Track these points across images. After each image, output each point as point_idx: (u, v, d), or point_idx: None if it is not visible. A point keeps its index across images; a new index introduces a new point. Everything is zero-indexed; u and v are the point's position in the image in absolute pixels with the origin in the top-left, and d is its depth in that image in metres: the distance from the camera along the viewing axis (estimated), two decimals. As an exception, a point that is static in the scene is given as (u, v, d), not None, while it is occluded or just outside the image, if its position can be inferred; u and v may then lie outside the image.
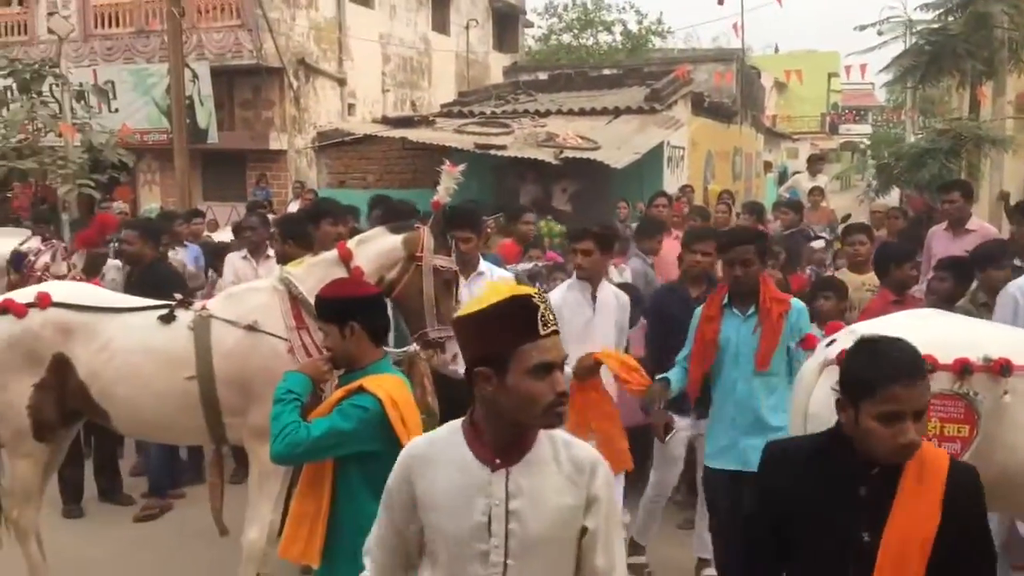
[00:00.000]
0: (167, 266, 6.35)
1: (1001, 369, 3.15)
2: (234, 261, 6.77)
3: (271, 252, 6.64)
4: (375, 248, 4.40)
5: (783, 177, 22.43)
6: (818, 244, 8.13)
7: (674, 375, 4.45)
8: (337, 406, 3.03)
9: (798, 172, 15.43)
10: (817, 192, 11.87)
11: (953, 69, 9.40)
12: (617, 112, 13.63)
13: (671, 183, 13.21)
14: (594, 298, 4.70)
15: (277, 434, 3.00)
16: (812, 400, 3.44)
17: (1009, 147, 9.41)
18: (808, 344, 4.09)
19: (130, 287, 5.66)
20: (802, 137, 35.73)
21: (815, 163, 13.66)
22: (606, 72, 17.76)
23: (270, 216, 8.50)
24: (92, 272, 6.29)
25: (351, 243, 4.49)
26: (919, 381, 2.10)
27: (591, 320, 4.66)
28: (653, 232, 7.13)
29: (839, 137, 44.83)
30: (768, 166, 24.12)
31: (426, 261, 4.31)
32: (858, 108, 46.62)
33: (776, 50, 47.08)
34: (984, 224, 7.13)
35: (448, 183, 4.68)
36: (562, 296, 4.72)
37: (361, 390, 3.01)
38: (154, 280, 5.60)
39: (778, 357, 4.25)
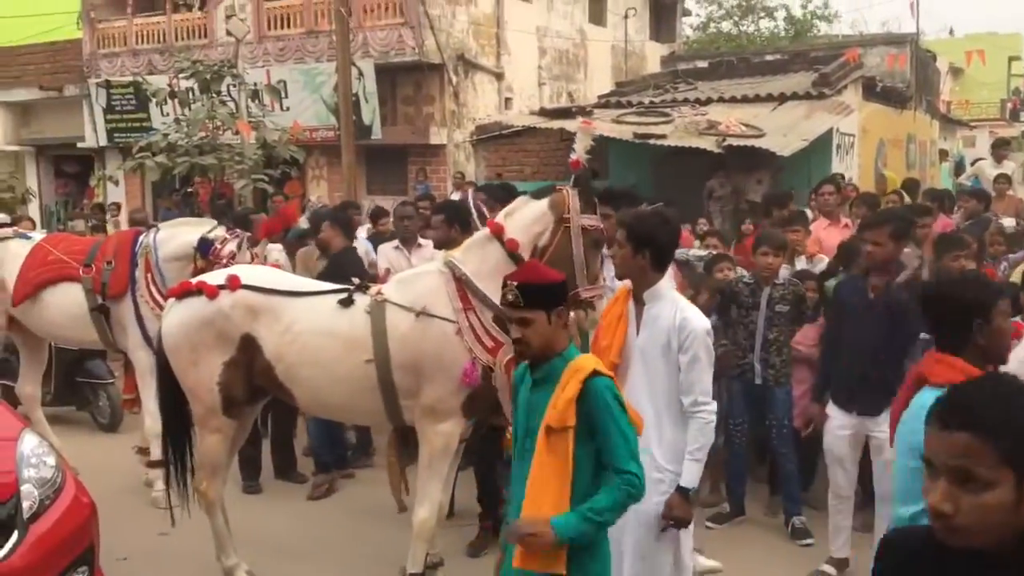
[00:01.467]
0: (355, 254, 6.55)
1: None
2: (387, 251, 6.95)
3: (423, 242, 6.78)
4: (524, 217, 4.41)
5: (959, 167, 21.10)
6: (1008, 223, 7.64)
7: None
8: (601, 405, 2.91)
9: (981, 159, 14.46)
10: (1003, 180, 11.09)
11: None
12: (783, 98, 13.12)
13: (841, 171, 12.63)
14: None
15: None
16: None
17: None
18: (1017, 334, 3.80)
19: (322, 274, 5.89)
20: (980, 125, 33.52)
21: (1001, 148, 12.77)
22: (769, 58, 17.15)
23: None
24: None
25: (499, 217, 4.52)
26: (955, 432, 1.57)
27: None
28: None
29: (1021, 124, 41.80)
30: (943, 155, 22.74)
31: (574, 222, 4.29)
32: (1044, 93, 43.29)
33: (951, 33, 44.37)
34: None
35: (585, 141, 4.67)
36: None
37: (596, 375, 2.96)
38: (343, 267, 5.81)
39: None
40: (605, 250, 4.50)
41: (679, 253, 6.88)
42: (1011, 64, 39.89)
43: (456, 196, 12.15)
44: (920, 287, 5.21)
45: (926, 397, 2.65)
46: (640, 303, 3.62)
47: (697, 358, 3.48)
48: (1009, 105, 41.41)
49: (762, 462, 6.40)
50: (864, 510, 5.20)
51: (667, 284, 3.65)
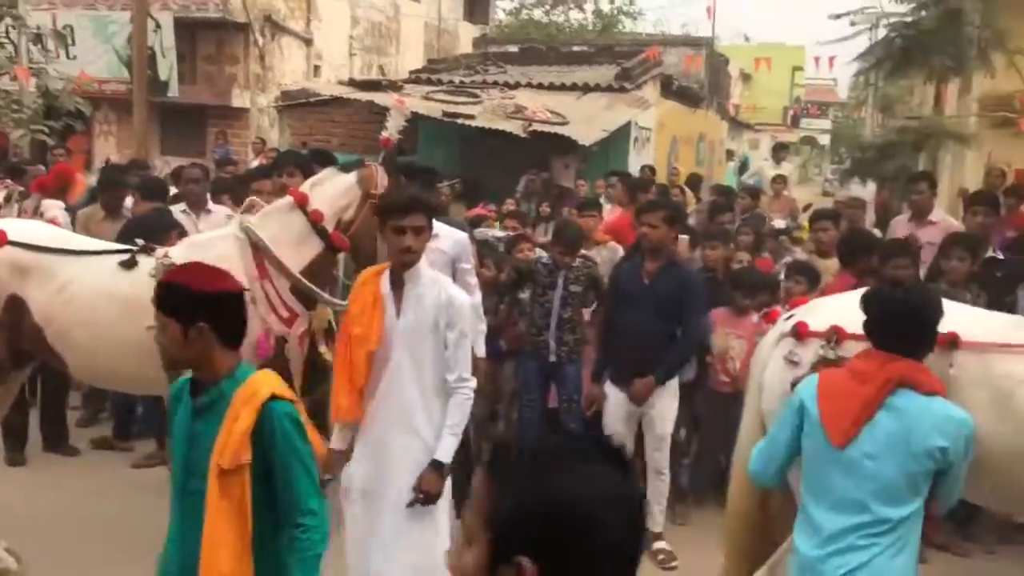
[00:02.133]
0: (165, 216, 6.11)
1: (948, 343, 3.25)
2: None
3: (212, 207, 6.52)
4: (331, 189, 4.37)
5: (743, 166, 22.59)
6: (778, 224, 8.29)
7: None
8: (280, 436, 2.52)
9: (764, 160, 15.55)
10: (780, 180, 11.98)
11: (923, 64, 9.55)
12: (587, 88, 13.56)
13: (637, 164, 13.21)
14: None
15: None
16: (766, 373, 3.53)
17: (972, 144, 9.60)
18: (770, 318, 4.14)
19: (121, 236, 5.47)
20: (764, 128, 36.00)
21: (779, 151, 13.80)
22: (576, 49, 17.66)
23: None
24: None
25: (304, 187, 4.46)
26: None
27: None
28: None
29: (800, 131, 45.26)
30: (730, 154, 24.27)
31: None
32: (820, 103, 47.07)
33: (746, 40, 47.31)
34: (946, 216, 7.25)
35: (398, 120, 4.69)
36: None
37: (275, 399, 2.55)
38: (145, 228, 5.44)
39: None
40: None
41: (479, 233, 7.00)
42: (794, 74, 43.06)
43: (256, 163, 11.75)
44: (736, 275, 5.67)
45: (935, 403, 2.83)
46: (399, 285, 3.55)
47: (464, 334, 3.56)
48: (791, 112, 44.76)
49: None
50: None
51: (424, 263, 3.62)
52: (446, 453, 3.52)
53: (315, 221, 4.32)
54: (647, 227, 5.05)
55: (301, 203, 4.34)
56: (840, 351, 3.33)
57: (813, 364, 3.37)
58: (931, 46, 9.22)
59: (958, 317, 3.36)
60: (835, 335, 3.39)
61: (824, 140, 45.22)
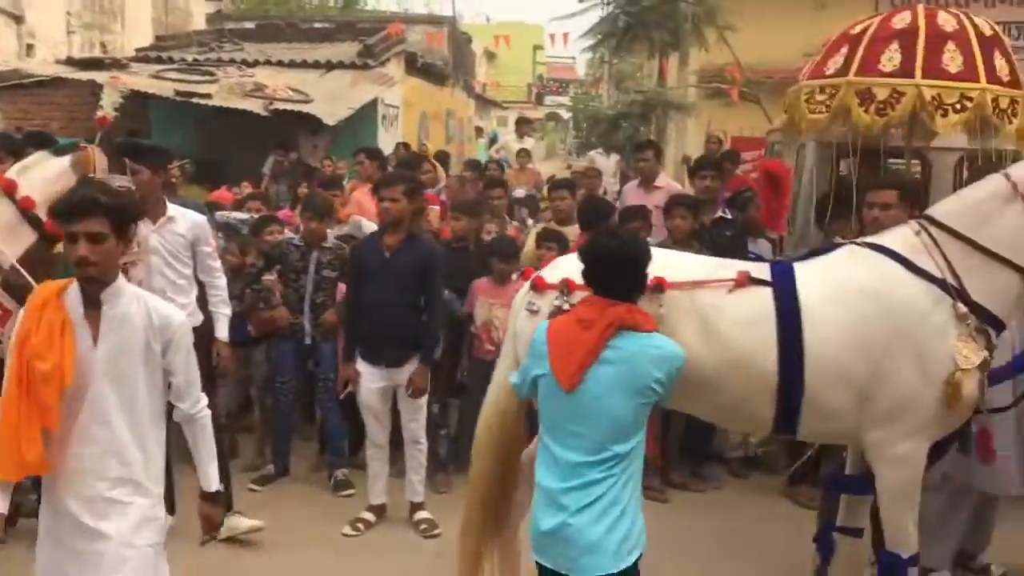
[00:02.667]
0: None
1: (656, 286, 3.58)
2: None
3: None
4: (42, 174, 4.12)
5: (494, 142, 23.15)
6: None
7: None
8: None
9: (510, 136, 16.01)
10: (524, 154, 12.39)
11: (644, 39, 10.23)
12: (329, 66, 13.32)
13: (386, 142, 13.17)
14: None
15: None
16: (517, 322, 3.79)
17: (692, 113, 10.39)
18: (526, 276, 4.30)
19: None
20: (511, 106, 37.02)
21: (523, 126, 14.23)
22: (318, 25, 17.28)
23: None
24: None
25: (11, 172, 4.17)
26: None
27: None
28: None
29: (544, 107, 46.97)
30: (480, 131, 24.78)
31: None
32: (561, 80, 49.03)
33: (488, 20, 48.33)
34: (671, 181, 7.83)
35: (112, 97, 4.45)
36: None
37: None
38: None
39: None
40: None
41: (219, 216, 6.71)
42: (536, 52, 44.55)
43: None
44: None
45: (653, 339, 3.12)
46: (93, 305, 2.91)
47: (191, 353, 3.05)
48: (535, 89, 46.31)
49: (312, 420, 6.53)
50: (398, 459, 5.50)
51: (122, 278, 3.01)
52: (214, 480, 3.13)
53: (25, 209, 4.03)
54: (388, 201, 5.07)
55: (8, 190, 4.04)
56: (571, 300, 3.57)
57: (550, 313, 3.60)
58: (651, 22, 9.85)
59: (669, 263, 3.71)
60: (566, 286, 3.62)
61: (567, 116, 47.23)
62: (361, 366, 5.20)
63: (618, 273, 3.18)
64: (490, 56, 36.68)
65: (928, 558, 4.58)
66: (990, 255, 3.58)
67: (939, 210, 3.79)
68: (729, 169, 7.96)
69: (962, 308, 3.54)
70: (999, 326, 3.66)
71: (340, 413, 5.85)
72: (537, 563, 3.18)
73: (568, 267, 3.69)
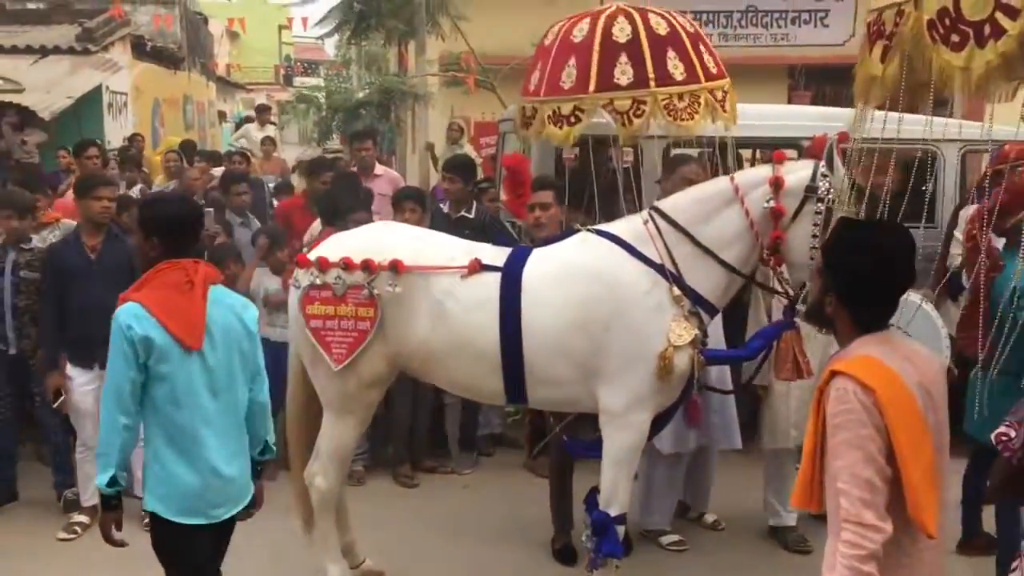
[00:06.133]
0: None
1: (392, 267, 4.01)
2: None
3: None
4: None
5: (240, 126, 22.32)
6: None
7: None
8: None
9: (250, 123, 15.50)
10: (268, 142, 12.08)
11: (379, 27, 10.24)
12: (44, 51, 12.28)
13: (114, 132, 12.37)
14: None
15: None
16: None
17: (431, 101, 10.53)
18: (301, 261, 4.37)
19: None
20: (258, 88, 35.76)
21: (263, 113, 13.83)
22: (31, 5, 15.83)
23: None
24: None
25: None
26: None
27: None
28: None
29: (294, 89, 45.73)
30: (223, 116, 23.77)
31: None
32: (310, 62, 47.91)
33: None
34: (388, 170, 8.15)
35: None
36: None
37: None
38: None
39: None
40: None
41: None
42: (282, 32, 43.14)
43: None
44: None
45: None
46: None
47: None
48: (283, 71, 44.92)
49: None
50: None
51: None
52: None
53: None
54: (108, 201, 5.15)
55: None
56: (326, 277, 4.07)
57: (306, 287, 4.11)
58: (386, 10, 9.87)
59: (418, 246, 4.14)
60: (319, 263, 4.08)
61: (322, 98, 46.24)
62: (72, 371, 5.08)
63: (187, 232, 3.25)
64: (233, 37, 35.17)
65: (651, 521, 5.04)
66: (703, 250, 3.95)
67: (668, 203, 4.16)
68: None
69: (677, 292, 3.93)
70: (712, 310, 4.07)
71: (64, 427, 5.48)
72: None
73: (324, 247, 4.17)
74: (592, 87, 4.87)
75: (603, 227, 4.21)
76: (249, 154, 10.61)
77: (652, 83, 4.86)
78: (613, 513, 4.02)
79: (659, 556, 4.92)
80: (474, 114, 11.83)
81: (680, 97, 4.88)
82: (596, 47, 4.86)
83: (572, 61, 4.92)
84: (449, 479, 6.08)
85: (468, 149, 10.33)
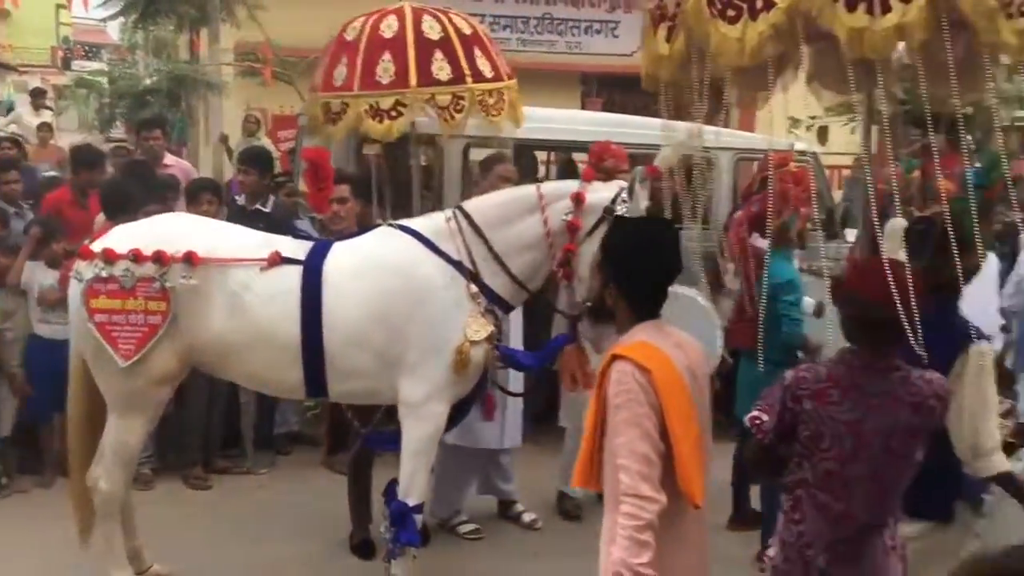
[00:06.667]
0: None
1: (186, 259, 3.93)
2: None
3: None
4: None
5: (11, 110, 20.63)
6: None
7: None
8: None
9: (22, 108, 14.37)
10: (45, 128, 11.28)
11: (170, 12, 9.78)
12: None
13: None
14: None
15: None
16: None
17: (225, 91, 10.17)
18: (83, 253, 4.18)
19: None
20: (31, 70, 33.11)
21: (37, 98, 12.89)
22: None
23: None
24: None
25: None
26: None
27: None
28: None
29: (73, 73, 42.66)
30: (-11, 100, 21.85)
31: None
32: (91, 44, 44.88)
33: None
34: (179, 160, 7.91)
35: None
36: None
37: None
38: None
39: None
40: None
41: None
42: (59, 12, 40.16)
43: None
44: None
45: None
46: None
47: None
48: (60, 53, 41.78)
49: None
50: None
51: None
52: None
53: None
54: None
55: None
56: (113, 270, 3.94)
57: (90, 280, 3.96)
58: (175, -5, 9.47)
59: (213, 239, 4.07)
60: (105, 255, 3.97)
61: (104, 84, 43.42)
62: None
63: None
64: (3, 14, 32.37)
65: (431, 508, 5.13)
66: (492, 255, 4.06)
67: (472, 203, 4.26)
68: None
69: (474, 289, 4.03)
70: (507, 308, 4.21)
71: None
72: None
73: (111, 238, 4.07)
74: (413, 82, 4.88)
75: (405, 222, 4.27)
76: (22, 140, 9.87)
77: (469, 79, 4.94)
78: (411, 503, 4.08)
79: (456, 544, 5.04)
80: (272, 107, 11.54)
81: (490, 94, 5.01)
82: (411, 43, 4.88)
83: (387, 56, 4.90)
84: (244, 479, 5.94)
85: (266, 142, 10.08)
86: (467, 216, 4.11)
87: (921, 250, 3.27)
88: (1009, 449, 3.30)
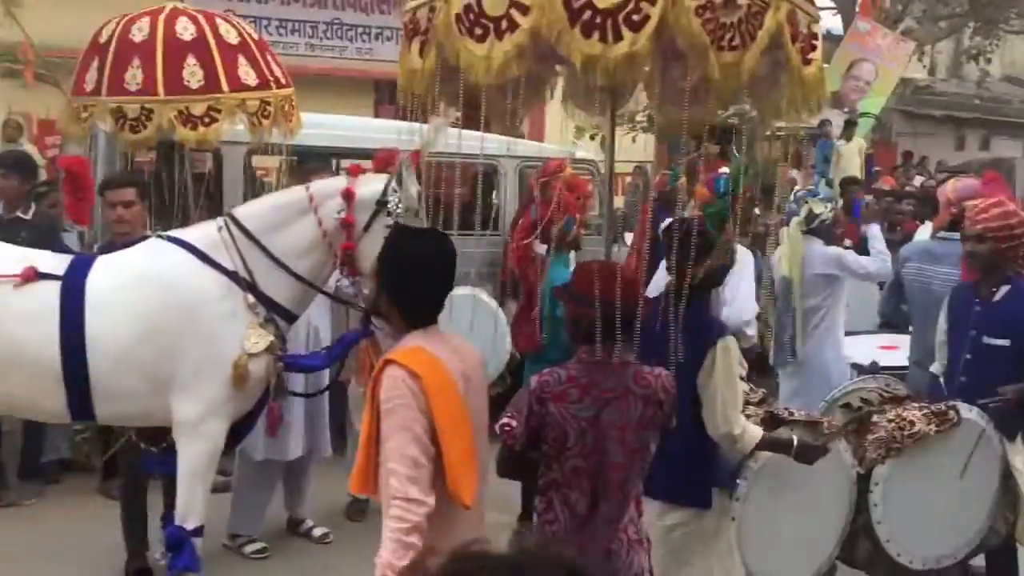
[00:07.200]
0: None
1: None
2: None
3: None
4: None
5: None
6: None
7: None
8: None
9: None
10: None
11: None
12: None
13: None
14: None
15: None
16: None
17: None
18: None
19: None
20: None
21: None
22: None
23: None
24: None
25: None
26: None
27: None
28: None
29: None
30: None
31: None
32: None
33: None
34: None
35: None
36: None
37: None
38: None
39: None
40: None
41: None
42: None
43: None
44: None
45: None
46: None
47: None
48: None
49: None
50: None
51: None
52: None
53: None
54: None
55: None
56: None
57: None
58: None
59: None
60: None
61: None
62: None
63: None
64: None
65: (239, 525, 4.99)
66: (273, 260, 3.95)
67: (242, 210, 4.12)
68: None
69: (251, 299, 3.90)
70: (290, 317, 4.10)
71: None
72: None
73: None
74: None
75: (175, 233, 4.09)
76: None
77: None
78: (189, 527, 3.92)
79: (241, 565, 4.88)
80: (37, 110, 10.74)
81: (266, 102, 4.83)
82: (159, 49, 4.63)
83: (136, 62, 4.61)
84: (9, 513, 5.50)
85: (30, 148, 9.36)
86: (239, 224, 3.98)
87: (678, 251, 3.48)
88: (759, 436, 3.58)
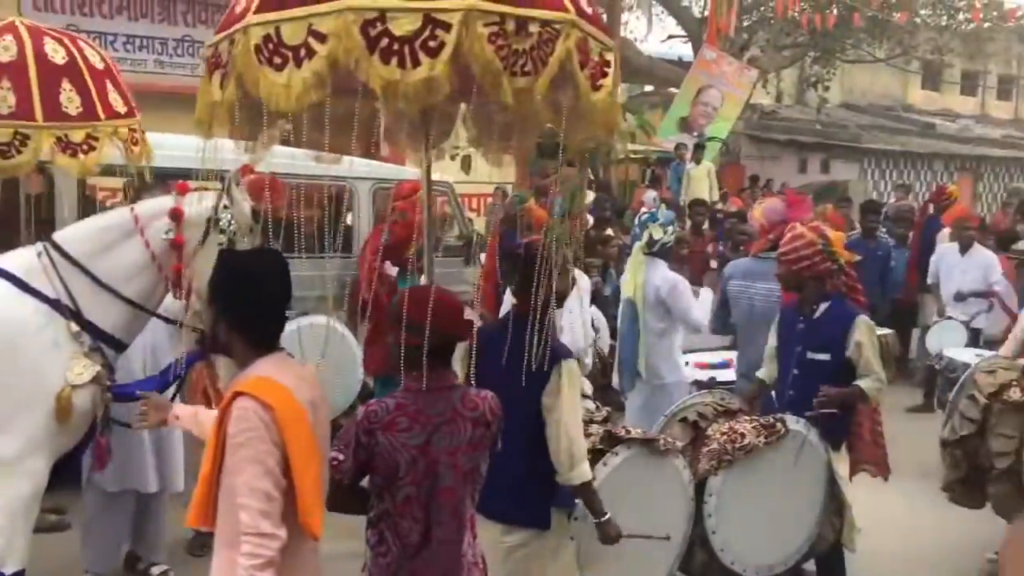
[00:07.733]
0: None
1: None
2: None
3: None
4: None
5: None
6: None
7: None
8: None
9: None
10: None
11: None
12: None
13: None
14: None
15: None
16: None
17: None
18: None
19: None
20: None
21: None
22: None
23: None
24: None
25: None
26: None
27: None
28: None
29: None
30: None
31: None
32: None
33: None
34: None
35: None
36: None
37: None
38: None
39: None
40: None
41: None
42: None
43: None
44: None
45: None
46: None
47: None
48: None
49: None
50: None
51: None
52: None
53: None
54: None
55: None
56: None
57: None
58: None
59: None
60: None
61: None
62: None
63: None
64: None
65: (93, 562, 4.68)
66: (100, 284, 3.76)
67: (63, 234, 3.89)
68: None
69: (75, 327, 3.69)
70: (118, 345, 3.89)
71: None
72: None
73: None
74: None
75: None
76: None
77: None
78: (9, 572, 3.67)
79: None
80: None
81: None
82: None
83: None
84: None
85: None
86: (59, 249, 3.79)
87: (520, 274, 3.52)
88: (599, 455, 3.65)
